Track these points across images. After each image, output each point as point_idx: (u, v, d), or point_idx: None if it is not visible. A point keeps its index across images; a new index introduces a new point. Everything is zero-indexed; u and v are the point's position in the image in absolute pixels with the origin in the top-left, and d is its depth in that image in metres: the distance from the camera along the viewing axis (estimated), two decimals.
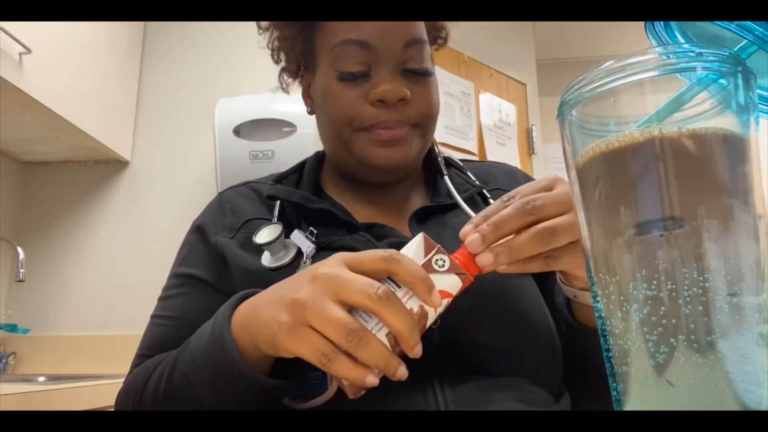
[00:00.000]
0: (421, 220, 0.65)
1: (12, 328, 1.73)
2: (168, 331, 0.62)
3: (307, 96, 0.71)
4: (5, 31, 1.31)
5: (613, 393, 0.29)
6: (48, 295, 1.86)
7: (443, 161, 0.71)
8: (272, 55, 0.72)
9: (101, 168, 1.94)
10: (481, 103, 2.27)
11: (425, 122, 0.63)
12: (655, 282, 0.27)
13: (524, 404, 0.51)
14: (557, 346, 0.60)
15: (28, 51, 1.38)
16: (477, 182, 0.70)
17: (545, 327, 0.59)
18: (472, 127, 2.22)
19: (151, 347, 0.62)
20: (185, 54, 2.02)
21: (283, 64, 0.73)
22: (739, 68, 0.27)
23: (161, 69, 2.02)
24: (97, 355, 1.77)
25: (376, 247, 0.59)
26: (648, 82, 0.26)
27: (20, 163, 1.93)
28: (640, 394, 0.26)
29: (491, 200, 0.67)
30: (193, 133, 1.94)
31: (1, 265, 1.81)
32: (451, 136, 2.12)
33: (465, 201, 0.64)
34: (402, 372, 0.41)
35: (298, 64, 0.71)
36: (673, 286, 0.26)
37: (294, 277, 0.46)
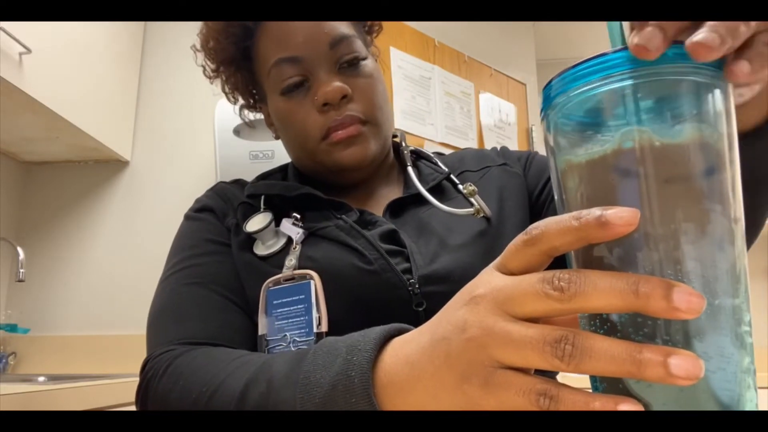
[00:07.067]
0: (396, 213, 0.66)
1: (12, 328, 1.73)
2: (222, 305, 0.59)
3: (270, 124, 0.74)
4: (5, 31, 1.31)
5: (595, 393, 0.29)
6: (48, 295, 1.86)
7: (410, 154, 0.72)
8: (228, 98, 0.75)
9: (101, 168, 1.95)
10: (481, 103, 2.28)
11: (373, 117, 0.65)
12: None
13: None
14: None
15: (28, 51, 1.39)
16: (445, 169, 0.71)
17: None
18: (472, 127, 2.22)
19: (209, 323, 0.57)
20: (185, 54, 2.02)
21: (241, 102, 0.75)
22: (719, 75, 0.27)
23: (161, 69, 2.02)
24: (97, 355, 1.77)
25: (361, 235, 0.60)
26: (630, 89, 0.27)
27: (20, 163, 1.93)
28: (620, 393, 0.26)
29: (460, 185, 0.68)
30: (193, 133, 1.94)
31: (1, 265, 1.81)
32: (451, 136, 2.12)
33: (433, 188, 0.67)
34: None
35: (253, 98, 0.74)
36: None
37: (438, 317, 0.34)
